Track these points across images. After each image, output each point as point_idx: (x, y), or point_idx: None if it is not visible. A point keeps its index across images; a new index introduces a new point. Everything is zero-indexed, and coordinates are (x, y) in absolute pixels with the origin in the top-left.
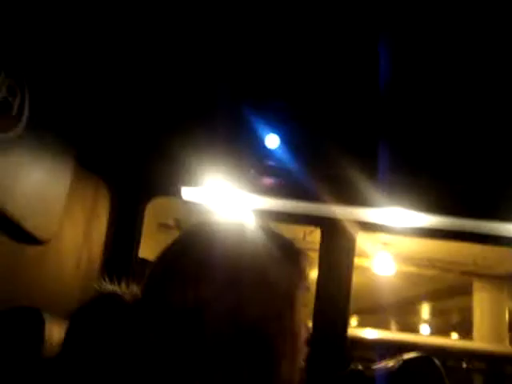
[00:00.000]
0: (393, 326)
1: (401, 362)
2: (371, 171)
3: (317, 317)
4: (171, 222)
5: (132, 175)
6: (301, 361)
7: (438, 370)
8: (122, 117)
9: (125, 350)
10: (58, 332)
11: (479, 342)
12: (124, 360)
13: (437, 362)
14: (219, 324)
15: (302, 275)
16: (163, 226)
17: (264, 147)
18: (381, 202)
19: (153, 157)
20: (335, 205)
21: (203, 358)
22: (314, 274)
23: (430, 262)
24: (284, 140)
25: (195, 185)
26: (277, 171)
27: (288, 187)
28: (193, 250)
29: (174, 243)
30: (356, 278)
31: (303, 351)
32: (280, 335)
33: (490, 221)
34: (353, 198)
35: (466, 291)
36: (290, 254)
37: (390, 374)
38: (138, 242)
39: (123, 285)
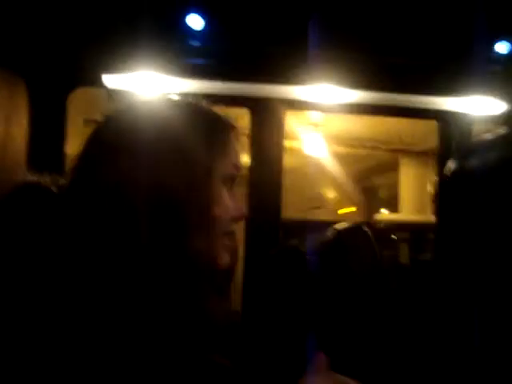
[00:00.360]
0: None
1: (333, 232)
2: (299, 46)
3: (250, 201)
4: (99, 118)
5: (48, 65)
6: (221, 237)
7: (368, 236)
8: (34, 3)
9: (50, 238)
10: None
11: (405, 214)
12: (50, 248)
13: (367, 229)
14: (138, 196)
15: (225, 148)
16: (90, 122)
17: (188, 28)
18: (308, 79)
19: (69, 45)
20: (262, 84)
21: (123, 233)
22: (245, 158)
23: (359, 142)
24: (208, 20)
25: (118, 71)
26: (201, 52)
27: (213, 68)
28: (112, 124)
29: (96, 126)
30: (287, 161)
31: (224, 227)
32: (195, 206)
33: (417, 95)
34: (280, 75)
35: (393, 168)
36: (214, 126)
37: (323, 244)
38: (63, 138)
39: (47, 176)
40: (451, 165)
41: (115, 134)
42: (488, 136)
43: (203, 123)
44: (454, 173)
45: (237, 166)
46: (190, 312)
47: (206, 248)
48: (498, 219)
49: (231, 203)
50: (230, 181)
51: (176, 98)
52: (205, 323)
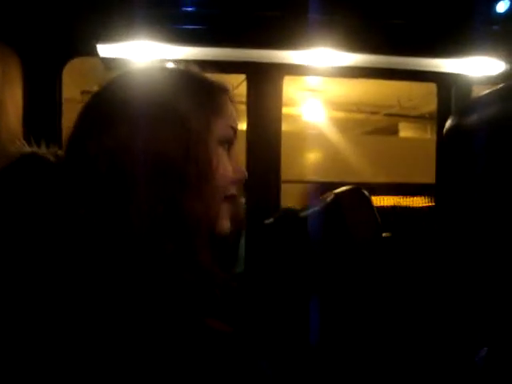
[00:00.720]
0: None
1: (331, 196)
2: (296, 10)
3: (249, 167)
4: (96, 88)
5: (41, 37)
6: (222, 201)
7: (366, 198)
8: None
9: (49, 208)
10: None
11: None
12: (49, 218)
13: (366, 192)
14: (134, 162)
15: (220, 110)
16: (87, 93)
17: None
18: (306, 44)
19: (63, 15)
20: (259, 49)
21: (121, 199)
22: (244, 126)
23: (358, 107)
24: None
25: (113, 41)
26: (196, 18)
27: (209, 34)
28: (106, 93)
29: (91, 96)
30: (287, 127)
31: (223, 190)
32: (191, 168)
33: (416, 57)
34: (277, 40)
35: (391, 132)
36: (207, 89)
37: (322, 208)
38: (60, 111)
39: (43, 147)
40: (449, 122)
41: (109, 103)
42: (485, 93)
43: (196, 87)
44: (451, 130)
45: (233, 128)
46: (186, 274)
47: (205, 211)
48: (495, 174)
49: (230, 165)
50: (227, 143)
51: (168, 64)
52: (202, 286)
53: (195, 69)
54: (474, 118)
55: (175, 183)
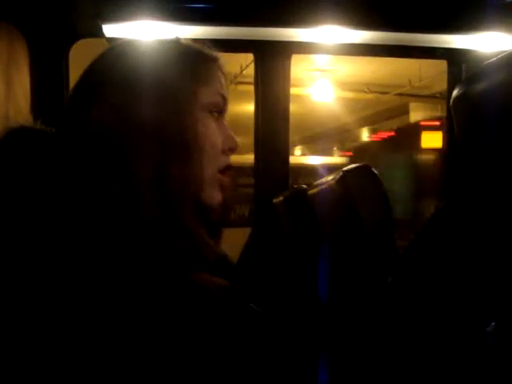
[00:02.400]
0: (335, 152)
1: (340, 173)
2: None
3: (257, 147)
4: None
5: (47, 18)
6: (213, 172)
7: (375, 176)
8: None
9: (45, 176)
10: None
11: None
12: (44, 188)
13: (374, 169)
14: (122, 129)
15: (208, 77)
16: None
17: None
18: (314, 21)
19: None
20: (267, 27)
21: (112, 165)
22: (252, 107)
23: (367, 87)
24: None
25: (119, 21)
26: None
27: (215, 12)
28: (96, 64)
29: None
30: (297, 108)
31: (214, 159)
32: (179, 134)
33: (426, 33)
34: (285, 17)
35: (402, 112)
36: (195, 57)
37: (330, 186)
38: (67, 93)
39: (39, 123)
40: (456, 90)
41: (99, 73)
42: (493, 60)
43: (182, 56)
44: (459, 97)
45: (222, 95)
46: (172, 242)
47: (192, 179)
48: (504, 141)
49: (220, 134)
50: (217, 111)
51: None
52: (186, 246)
53: (186, 40)
54: (482, 85)
55: (163, 151)
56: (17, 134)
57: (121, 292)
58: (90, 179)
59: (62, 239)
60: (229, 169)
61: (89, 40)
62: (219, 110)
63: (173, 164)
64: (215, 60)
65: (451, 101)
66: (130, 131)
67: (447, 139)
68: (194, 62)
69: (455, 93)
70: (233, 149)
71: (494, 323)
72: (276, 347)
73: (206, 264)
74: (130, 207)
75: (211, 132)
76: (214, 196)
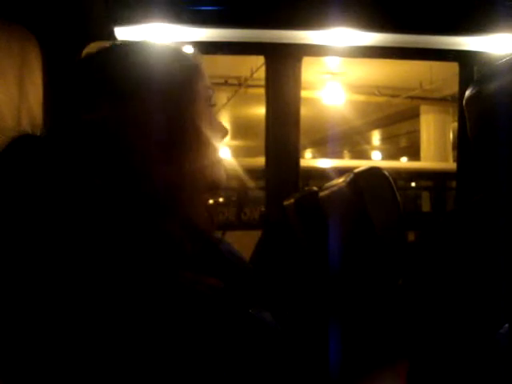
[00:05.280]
0: (346, 155)
1: (350, 175)
2: None
3: (268, 150)
4: None
5: (59, 21)
6: (214, 158)
7: (386, 179)
8: None
9: (45, 179)
10: None
11: (426, 162)
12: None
13: (385, 172)
14: (132, 129)
15: (200, 71)
16: None
17: None
18: (325, 23)
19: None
20: (277, 29)
21: (124, 164)
22: (263, 110)
23: (378, 90)
24: None
25: (131, 24)
26: None
27: (226, 15)
28: (95, 60)
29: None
30: (307, 111)
31: (211, 146)
32: (185, 129)
33: (438, 35)
34: (296, 20)
35: (413, 115)
36: (185, 53)
37: (341, 188)
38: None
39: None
40: (469, 90)
41: (96, 69)
42: (505, 59)
43: (177, 54)
44: (471, 97)
45: (211, 88)
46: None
47: (203, 170)
48: None
49: (216, 122)
50: (210, 102)
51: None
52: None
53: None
54: (495, 84)
55: (174, 146)
56: (19, 140)
57: (110, 293)
58: (91, 180)
59: (59, 241)
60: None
61: (101, 42)
62: (211, 101)
63: (185, 160)
64: (199, 56)
65: (464, 101)
66: (136, 129)
67: (459, 140)
68: (185, 58)
69: (468, 92)
70: (226, 135)
71: (507, 325)
72: (270, 349)
73: (208, 260)
74: (134, 207)
75: (214, 121)
76: (222, 175)
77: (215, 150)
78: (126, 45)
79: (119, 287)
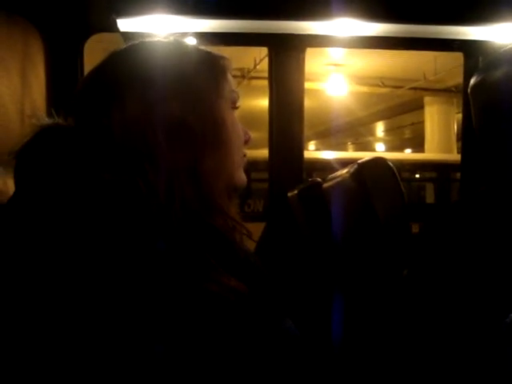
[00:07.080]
0: (349, 146)
1: (354, 165)
2: None
3: (272, 141)
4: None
5: (62, 12)
6: (236, 160)
7: (390, 169)
8: None
9: (74, 176)
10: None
11: (430, 153)
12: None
13: (389, 162)
14: (154, 130)
15: (225, 74)
16: None
17: None
18: (328, 14)
19: None
20: (281, 20)
21: (143, 166)
22: (266, 102)
23: (382, 81)
24: None
25: (133, 15)
26: None
27: (229, 6)
28: (110, 61)
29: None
30: (311, 103)
31: (240, 149)
32: (203, 126)
33: (442, 25)
34: (300, 11)
35: (417, 106)
36: (211, 54)
37: (345, 179)
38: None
39: (61, 118)
40: (474, 78)
41: (114, 67)
42: (509, 47)
43: (201, 54)
44: (476, 84)
45: (236, 92)
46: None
47: (224, 172)
48: None
49: (240, 127)
50: (234, 106)
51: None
52: (221, 239)
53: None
54: (499, 72)
55: (194, 147)
56: (45, 133)
57: (127, 290)
58: (115, 180)
59: (71, 238)
60: (245, 156)
61: (103, 34)
62: (236, 104)
63: (205, 161)
64: (225, 58)
65: (469, 89)
66: (158, 130)
67: (464, 131)
68: (213, 59)
69: (473, 80)
70: (248, 140)
71: None
72: (294, 361)
73: (233, 259)
74: (159, 206)
75: (236, 124)
76: (243, 177)
77: (237, 152)
78: (152, 43)
79: (138, 285)
